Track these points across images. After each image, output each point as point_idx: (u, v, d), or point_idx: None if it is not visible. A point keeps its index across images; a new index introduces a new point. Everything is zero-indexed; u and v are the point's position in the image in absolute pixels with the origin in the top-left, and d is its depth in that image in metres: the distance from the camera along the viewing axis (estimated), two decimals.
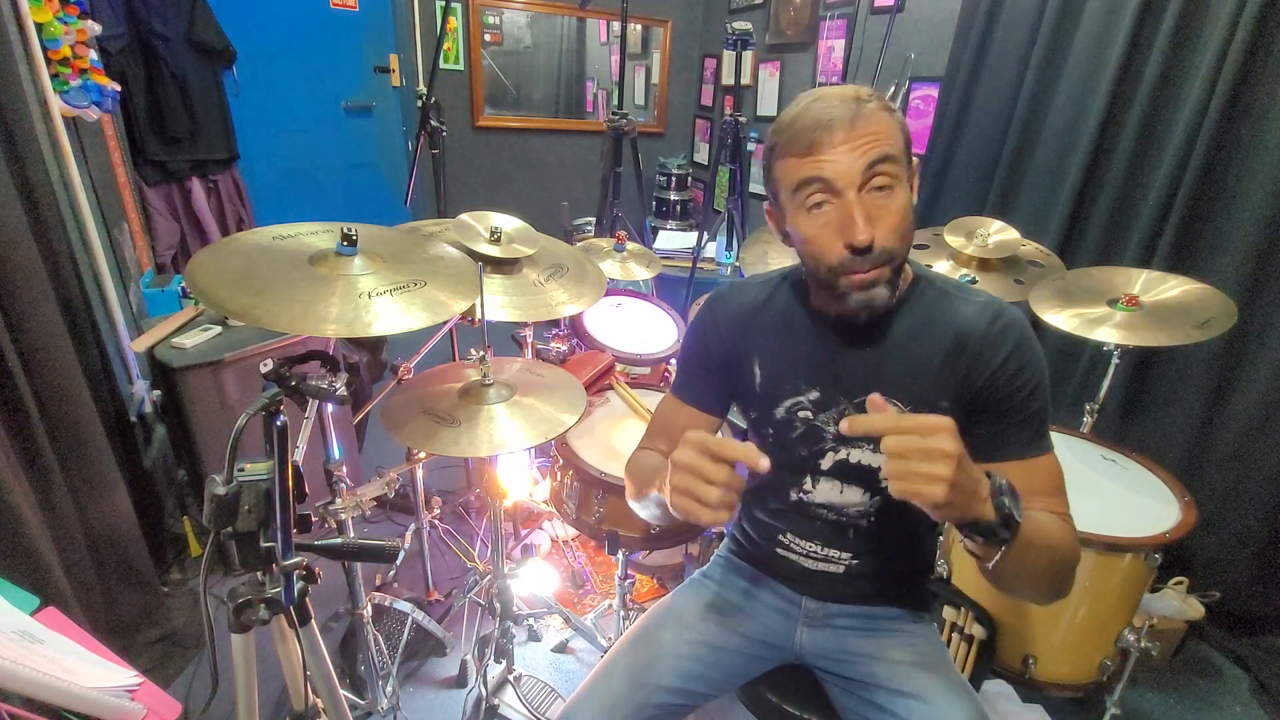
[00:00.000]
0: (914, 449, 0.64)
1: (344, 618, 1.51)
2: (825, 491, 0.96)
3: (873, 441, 0.90)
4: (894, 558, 0.98)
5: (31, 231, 1.38)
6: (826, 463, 0.94)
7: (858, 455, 0.92)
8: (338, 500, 1.27)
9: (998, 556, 0.71)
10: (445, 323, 1.25)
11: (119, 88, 2.15)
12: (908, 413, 0.87)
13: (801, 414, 0.93)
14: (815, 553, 0.99)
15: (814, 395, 0.92)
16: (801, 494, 0.97)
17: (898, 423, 0.66)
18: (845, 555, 0.98)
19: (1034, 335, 0.86)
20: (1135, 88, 2.03)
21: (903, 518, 0.94)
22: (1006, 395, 0.85)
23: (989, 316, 0.85)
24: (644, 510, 0.96)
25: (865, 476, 0.93)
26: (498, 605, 1.51)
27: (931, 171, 2.81)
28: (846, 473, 0.94)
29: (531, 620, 1.83)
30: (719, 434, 1.01)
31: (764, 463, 0.69)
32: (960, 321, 0.86)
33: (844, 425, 0.68)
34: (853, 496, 0.94)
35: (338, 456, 1.29)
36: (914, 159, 0.82)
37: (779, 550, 1.03)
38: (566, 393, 1.31)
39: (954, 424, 0.65)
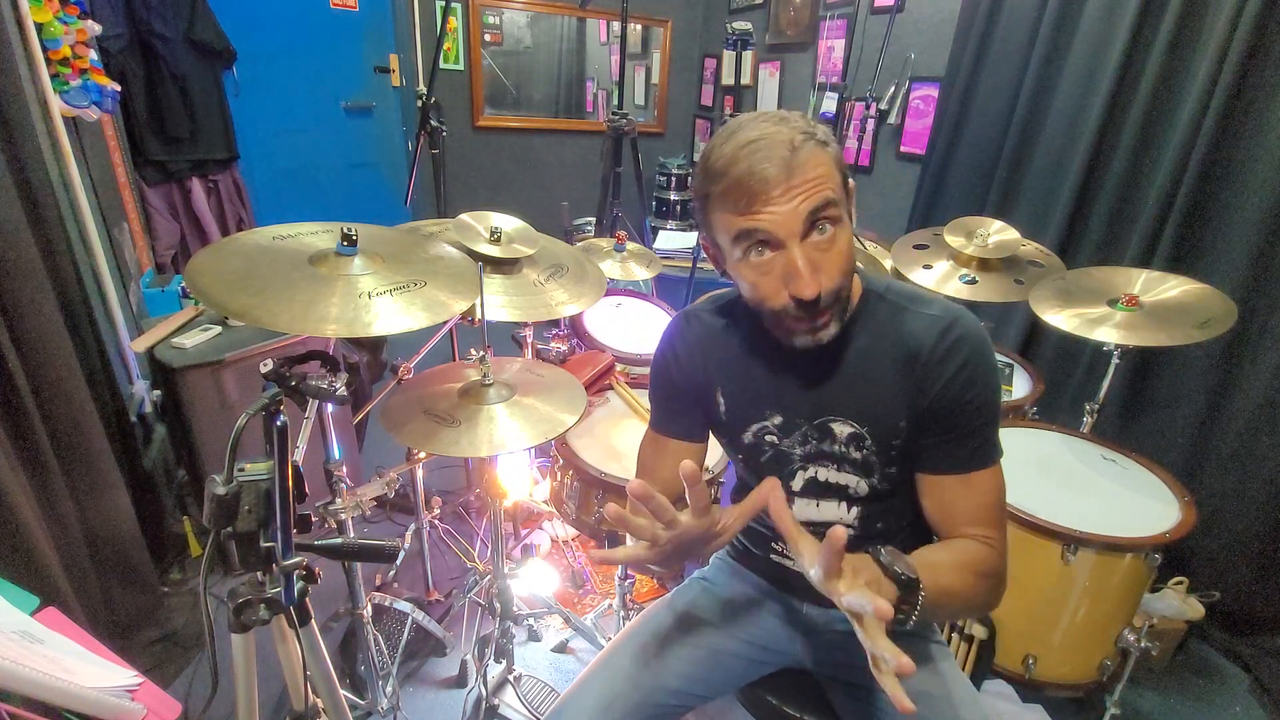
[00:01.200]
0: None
1: (344, 618, 1.51)
2: (802, 509, 0.95)
3: (835, 460, 0.90)
4: None
5: (31, 231, 1.38)
6: (797, 483, 0.94)
7: (825, 473, 0.92)
8: (338, 500, 1.27)
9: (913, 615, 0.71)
10: (445, 323, 1.25)
11: (119, 88, 2.15)
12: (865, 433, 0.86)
13: (768, 439, 0.93)
14: None
15: (778, 420, 0.92)
16: None
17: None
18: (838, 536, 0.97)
19: (989, 348, 0.84)
20: (1135, 88, 2.03)
21: (888, 525, 0.94)
22: (954, 410, 0.83)
23: (939, 330, 0.82)
24: None
25: (837, 492, 0.92)
26: (498, 605, 1.51)
27: (931, 171, 2.81)
28: (819, 490, 0.93)
29: (531, 620, 1.83)
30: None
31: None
32: (911, 339, 0.84)
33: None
34: (830, 511, 0.94)
35: (338, 456, 1.29)
36: (850, 183, 0.79)
37: (774, 557, 1.03)
38: (566, 393, 1.31)
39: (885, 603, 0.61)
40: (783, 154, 0.72)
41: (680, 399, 1.00)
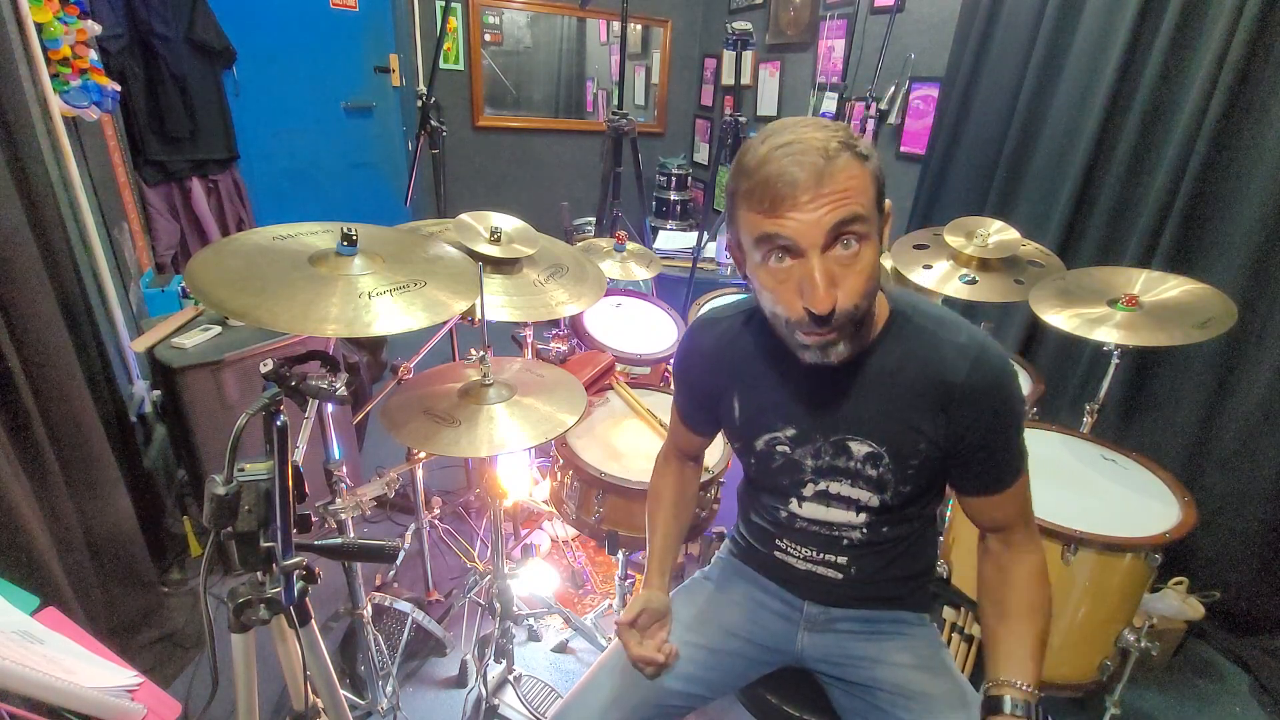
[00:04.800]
0: None
1: (344, 618, 1.51)
2: (811, 510, 0.96)
3: (850, 476, 0.90)
4: (893, 563, 0.98)
5: (31, 231, 1.38)
6: (808, 491, 0.94)
7: (837, 487, 0.92)
8: (338, 500, 1.27)
9: None
10: (445, 323, 1.25)
11: (119, 88, 2.15)
12: (884, 452, 0.88)
13: (780, 449, 0.93)
14: (812, 557, 0.99)
15: (791, 432, 0.92)
16: (789, 512, 0.98)
17: None
18: (842, 560, 0.98)
19: (1013, 377, 0.84)
20: (1135, 88, 2.03)
21: (895, 532, 0.95)
22: (985, 441, 0.85)
23: (969, 363, 0.81)
24: None
25: (849, 502, 0.93)
26: (498, 605, 1.51)
27: (931, 172, 2.81)
28: (829, 499, 0.94)
29: (531, 620, 1.83)
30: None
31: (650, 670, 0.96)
32: (939, 368, 0.83)
33: None
34: (839, 515, 0.94)
35: (338, 456, 1.29)
36: (886, 204, 0.77)
37: (777, 554, 1.03)
38: (566, 393, 1.31)
39: None
40: (815, 160, 0.70)
41: (696, 400, 1.04)
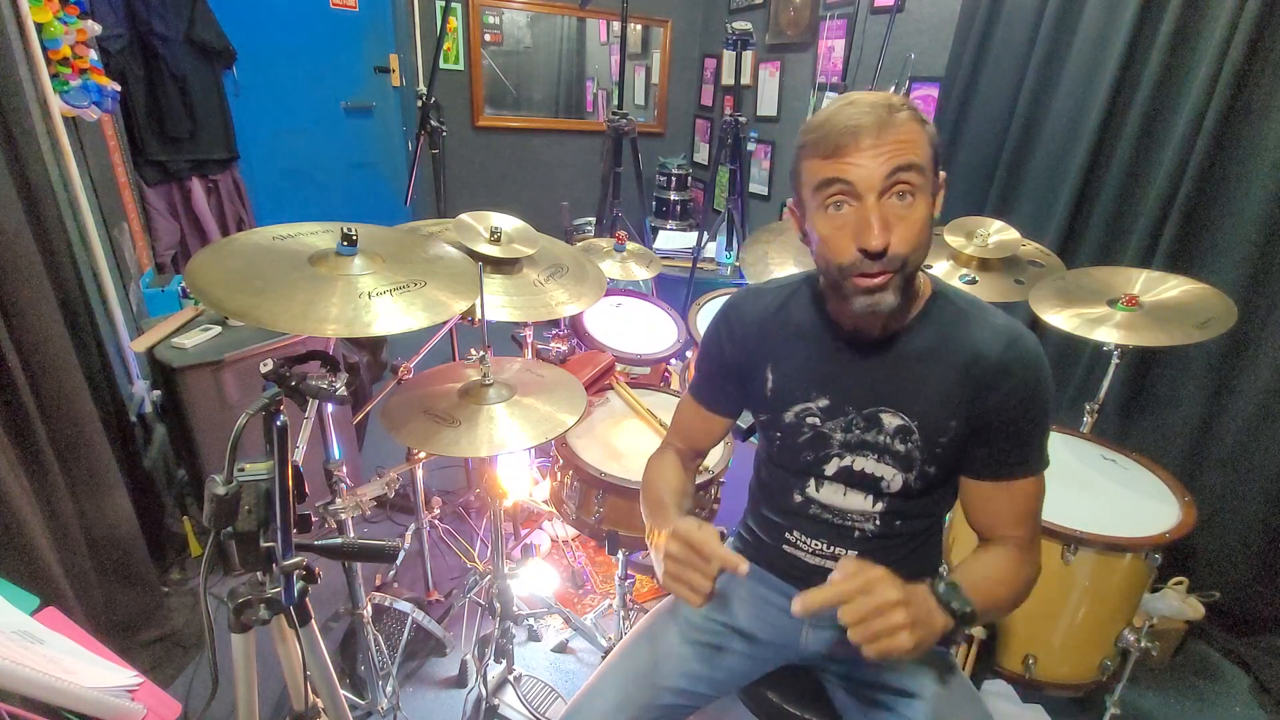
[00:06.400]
0: (867, 610, 0.70)
1: (344, 618, 1.51)
2: (829, 494, 0.96)
3: (877, 451, 0.91)
4: (900, 561, 0.98)
5: (31, 231, 1.38)
6: (831, 468, 0.95)
7: (862, 463, 0.92)
8: (338, 500, 1.27)
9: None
10: (445, 323, 1.25)
11: (119, 88, 2.15)
12: (915, 427, 0.88)
13: (810, 420, 0.94)
14: (821, 551, 0.99)
15: (824, 403, 0.93)
16: (805, 495, 0.98)
17: (842, 592, 0.71)
18: (851, 555, 0.98)
19: (1046, 364, 0.86)
20: (1135, 88, 2.03)
21: (908, 526, 0.95)
22: (1008, 421, 0.86)
23: (1004, 343, 0.85)
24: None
25: (869, 483, 0.93)
26: (498, 605, 1.52)
27: None
28: (850, 479, 0.94)
29: (531, 620, 1.83)
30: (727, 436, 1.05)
31: (743, 568, 0.77)
32: (975, 345, 0.86)
33: (796, 607, 0.72)
34: (856, 501, 0.95)
35: (338, 456, 1.29)
36: (941, 174, 0.81)
37: (785, 548, 1.03)
38: (566, 393, 1.31)
39: (888, 572, 0.73)
40: (880, 112, 0.75)
41: (724, 376, 1.04)
